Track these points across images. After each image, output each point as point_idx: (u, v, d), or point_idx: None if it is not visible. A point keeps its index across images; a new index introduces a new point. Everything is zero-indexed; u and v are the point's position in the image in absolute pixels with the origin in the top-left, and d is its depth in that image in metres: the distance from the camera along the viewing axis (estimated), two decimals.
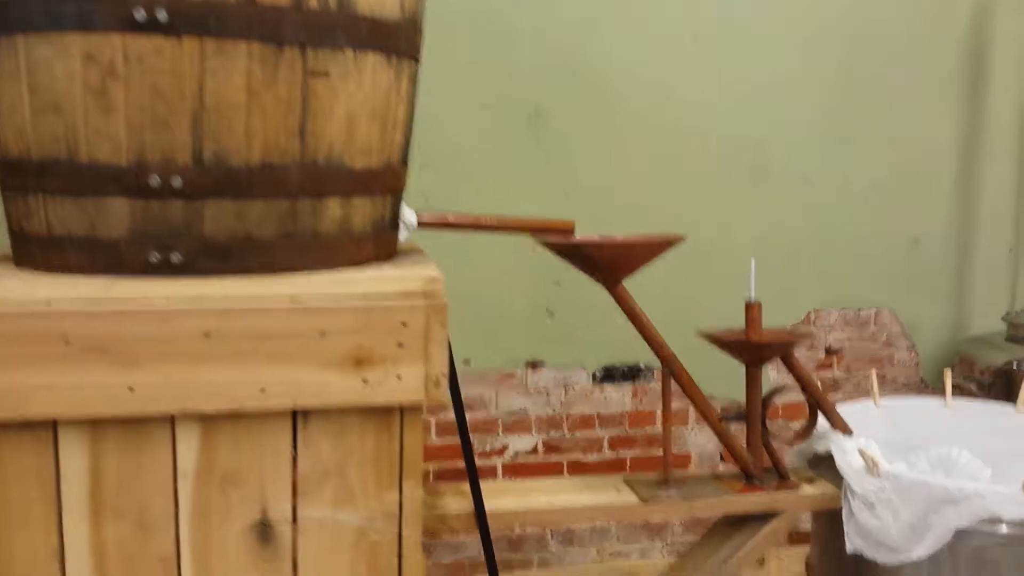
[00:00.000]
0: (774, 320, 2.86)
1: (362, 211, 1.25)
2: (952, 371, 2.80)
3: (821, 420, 1.68)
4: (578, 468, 2.79)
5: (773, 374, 2.80)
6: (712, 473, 1.66)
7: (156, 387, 1.11)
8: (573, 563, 2.82)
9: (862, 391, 2.92)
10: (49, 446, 1.12)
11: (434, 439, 2.68)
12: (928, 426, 1.85)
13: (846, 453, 1.56)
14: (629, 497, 1.55)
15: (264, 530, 1.20)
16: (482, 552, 2.75)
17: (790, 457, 1.78)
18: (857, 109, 2.80)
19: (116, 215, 1.12)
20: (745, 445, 1.61)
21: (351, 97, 1.17)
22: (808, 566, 1.74)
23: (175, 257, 1.13)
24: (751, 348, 1.57)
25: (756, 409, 1.60)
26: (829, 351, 2.90)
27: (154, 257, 1.13)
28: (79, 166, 1.10)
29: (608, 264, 1.45)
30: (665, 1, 2.65)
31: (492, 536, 2.73)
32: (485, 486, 1.58)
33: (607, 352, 2.75)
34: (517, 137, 2.60)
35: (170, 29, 1.05)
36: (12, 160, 1.16)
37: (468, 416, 2.69)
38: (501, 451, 2.72)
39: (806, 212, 2.79)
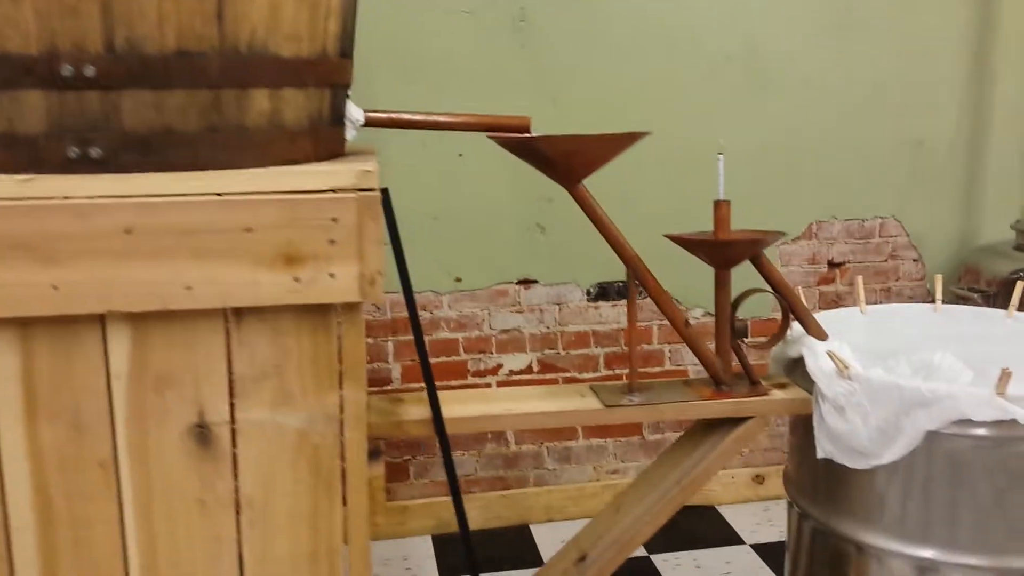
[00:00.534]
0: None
1: (294, 104, 1.20)
2: (959, 282, 2.73)
3: (798, 326, 1.62)
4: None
5: None
6: (683, 380, 1.62)
7: (80, 285, 1.09)
8: (571, 481, 2.82)
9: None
10: None
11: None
12: (916, 332, 1.79)
13: (817, 357, 1.51)
14: (592, 402, 1.51)
15: (202, 432, 1.18)
16: (477, 469, 2.77)
17: (768, 364, 1.74)
18: (859, 2, 2.67)
19: (32, 109, 1.08)
20: (714, 350, 1.56)
21: None
22: (785, 477, 1.71)
23: (95, 152, 1.09)
24: (718, 248, 1.51)
25: (724, 313, 1.55)
26: (832, 264, 2.83)
27: (73, 152, 1.09)
28: None
29: (564, 161, 1.39)
30: None
31: (486, 453, 2.75)
32: (449, 395, 1.56)
33: (601, 269, 2.70)
34: (502, 44, 2.52)
35: None
36: None
37: (460, 335, 2.68)
38: (495, 370, 2.71)
39: (805, 116, 2.69)
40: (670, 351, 2.76)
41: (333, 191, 1.13)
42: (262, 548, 1.22)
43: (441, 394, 1.56)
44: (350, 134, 1.37)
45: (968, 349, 1.64)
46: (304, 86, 1.20)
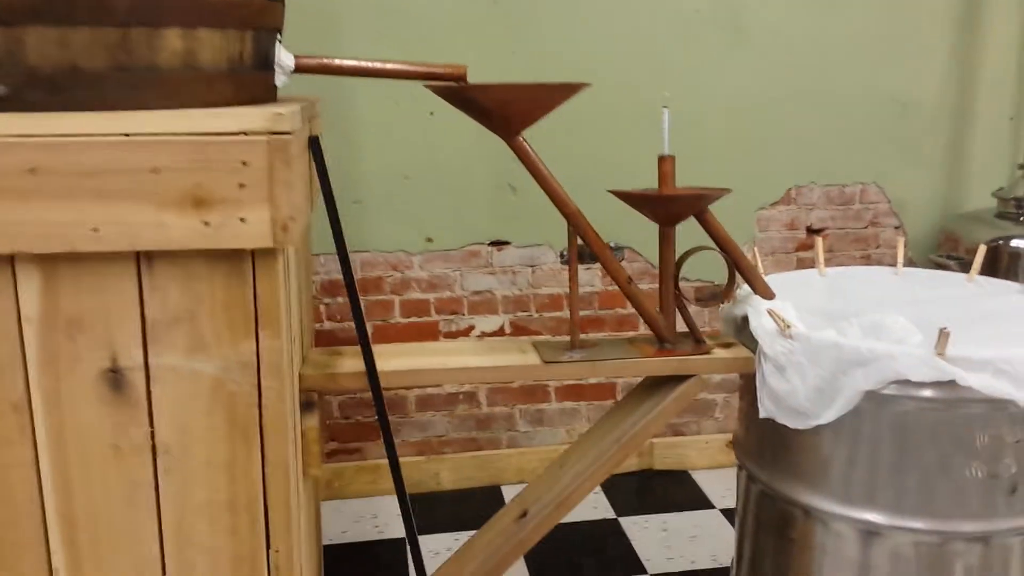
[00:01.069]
0: (750, 198, 2.76)
1: (211, 46, 1.17)
2: (938, 249, 2.69)
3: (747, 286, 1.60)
4: None
5: None
6: (627, 338, 1.60)
7: None
8: (543, 443, 2.81)
9: None
10: None
11: (399, 318, 2.65)
12: (874, 295, 1.76)
13: (760, 316, 1.49)
14: (532, 358, 1.49)
15: (115, 377, 1.17)
16: (449, 430, 2.76)
17: (719, 324, 1.71)
18: None
19: None
20: (658, 308, 1.54)
21: None
22: (734, 441, 1.69)
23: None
24: (661, 204, 1.48)
25: (668, 270, 1.52)
26: (811, 230, 2.79)
27: None
28: None
29: (500, 111, 1.36)
30: None
31: (458, 414, 2.74)
32: (387, 348, 1.54)
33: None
34: (477, 6, 2.47)
35: None
36: None
37: (432, 296, 2.66)
38: (467, 331, 2.69)
39: (781, 78, 2.64)
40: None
41: (244, 134, 1.11)
42: (180, 495, 1.22)
43: (379, 347, 1.55)
44: (280, 80, 1.34)
45: (926, 312, 1.61)
46: (222, 27, 1.18)
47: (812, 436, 1.47)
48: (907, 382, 1.36)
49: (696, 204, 1.49)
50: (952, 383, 1.33)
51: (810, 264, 2.80)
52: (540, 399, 2.77)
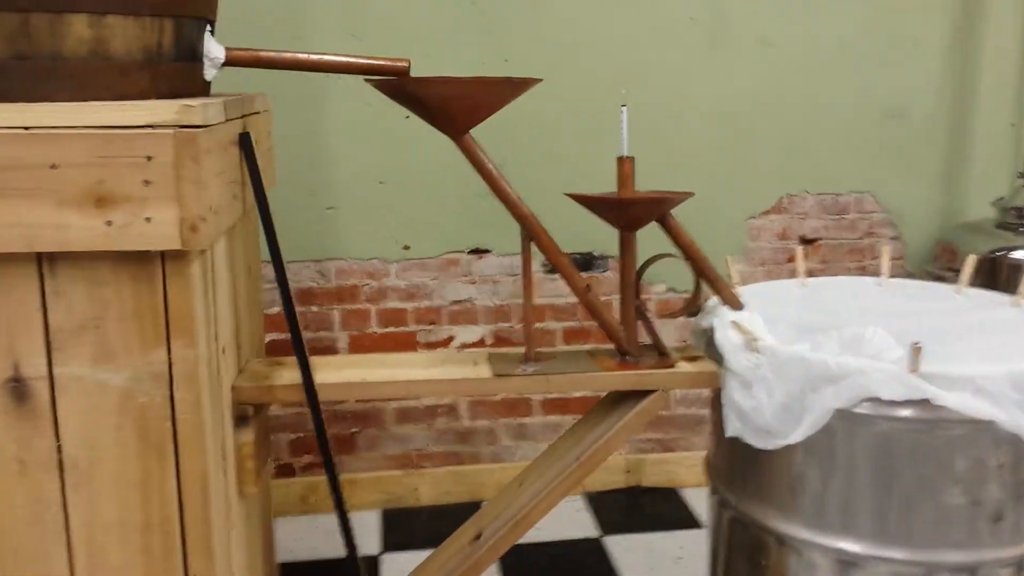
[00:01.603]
0: (739, 206, 2.66)
1: (123, 34, 1.10)
2: (935, 261, 2.58)
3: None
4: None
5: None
6: (588, 349, 1.51)
7: None
8: (525, 458, 2.71)
9: None
10: None
11: (375, 328, 2.57)
12: (857, 306, 1.66)
13: (727, 328, 1.39)
14: (483, 371, 1.41)
15: (18, 388, 1.09)
16: (428, 444, 2.67)
17: (690, 337, 1.62)
18: None
19: None
20: (619, 319, 1.45)
21: None
22: (706, 462, 1.59)
23: None
24: (620, 208, 1.40)
25: (629, 279, 1.43)
26: (804, 240, 2.69)
27: None
28: None
29: (442, 107, 1.28)
30: None
31: (437, 427, 2.65)
32: (332, 359, 1.46)
33: (558, 238, 2.57)
34: (456, 8, 2.40)
35: None
36: None
37: (410, 305, 2.58)
38: (446, 342, 2.61)
39: (773, 83, 2.54)
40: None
41: (151, 127, 1.03)
42: (89, 513, 1.14)
43: (323, 359, 1.48)
44: (210, 73, 1.27)
45: (910, 325, 1.51)
46: (136, 14, 1.10)
47: (783, 458, 1.37)
48: (882, 400, 1.26)
49: (657, 208, 1.40)
50: (929, 402, 1.24)
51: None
52: (523, 412, 2.68)
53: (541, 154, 2.50)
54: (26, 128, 1.01)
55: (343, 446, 2.62)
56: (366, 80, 1.32)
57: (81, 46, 1.07)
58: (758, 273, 2.67)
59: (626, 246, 1.43)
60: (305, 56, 1.28)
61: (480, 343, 2.62)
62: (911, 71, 2.60)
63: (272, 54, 1.27)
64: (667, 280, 2.61)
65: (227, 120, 1.21)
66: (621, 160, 1.41)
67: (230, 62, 1.26)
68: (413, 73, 1.34)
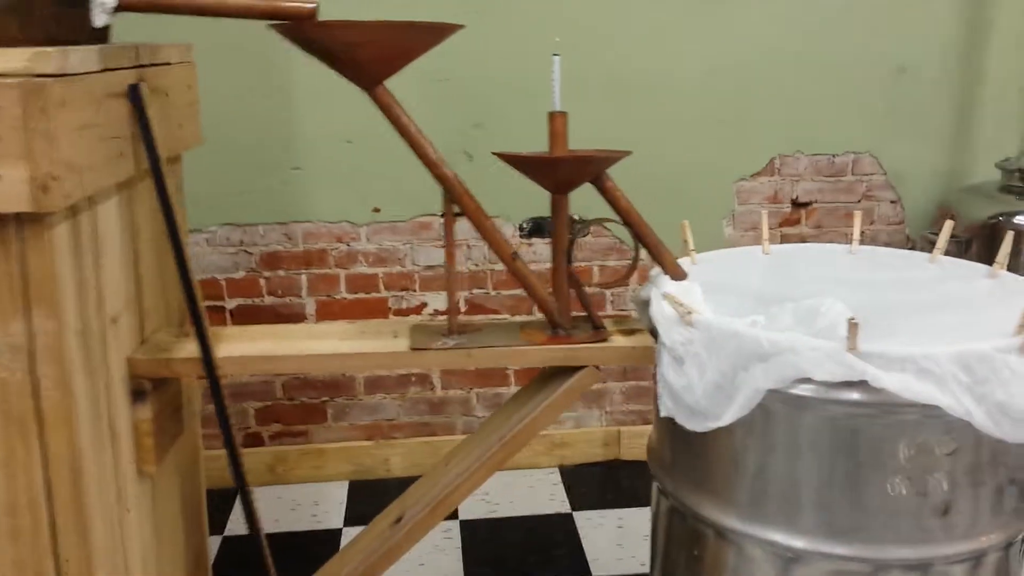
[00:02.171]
0: (727, 167, 2.52)
1: None
2: (933, 226, 2.44)
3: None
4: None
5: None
6: (520, 322, 1.41)
7: None
8: None
9: None
10: None
11: (345, 294, 2.49)
12: (823, 276, 1.53)
13: (660, 299, 1.28)
14: (400, 344, 1.32)
15: None
16: (400, 414, 2.60)
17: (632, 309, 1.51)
18: None
19: None
20: (551, 289, 1.35)
21: None
22: (648, 447, 1.48)
23: None
24: (551, 167, 1.28)
25: (561, 245, 1.33)
26: (796, 203, 2.55)
27: None
28: None
29: (348, 55, 1.17)
30: None
31: (410, 397, 2.57)
32: (244, 330, 1.38)
33: (535, 203, 2.41)
34: None
35: None
36: None
37: (380, 270, 2.49)
38: (419, 309, 2.52)
39: (764, 34, 2.39)
40: (612, 295, 2.53)
41: (3, 76, 0.94)
42: None
43: (236, 329, 1.39)
44: (99, 19, 1.17)
45: (879, 297, 1.40)
46: None
47: (719, 442, 1.26)
48: (820, 382, 1.15)
49: (590, 168, 1.29)
50: (870, 384, 1.12)
51: (796, 241, 2.57)
52: (498, 383, 2.59)
53: (522, 115, 2.38)
54: None
55: (312, 415, 2.56)
56: (269, 26, 1.21)
57: None
58: (747, 238, 2.54)
59: (558, 209, 1.32)
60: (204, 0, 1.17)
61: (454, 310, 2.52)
62: (916, 25, 2.43)
63: None
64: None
65: (105, 70, 1.11)
66: (552, 116, 1.29)
67: (124, 7, 1.16)
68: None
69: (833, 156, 2.51)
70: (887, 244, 2.57)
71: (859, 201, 2.55)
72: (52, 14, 1.10)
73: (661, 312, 1.28)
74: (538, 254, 2.50)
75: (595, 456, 2.64)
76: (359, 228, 2.45)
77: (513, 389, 2.60)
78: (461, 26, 1.25)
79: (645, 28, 2.36)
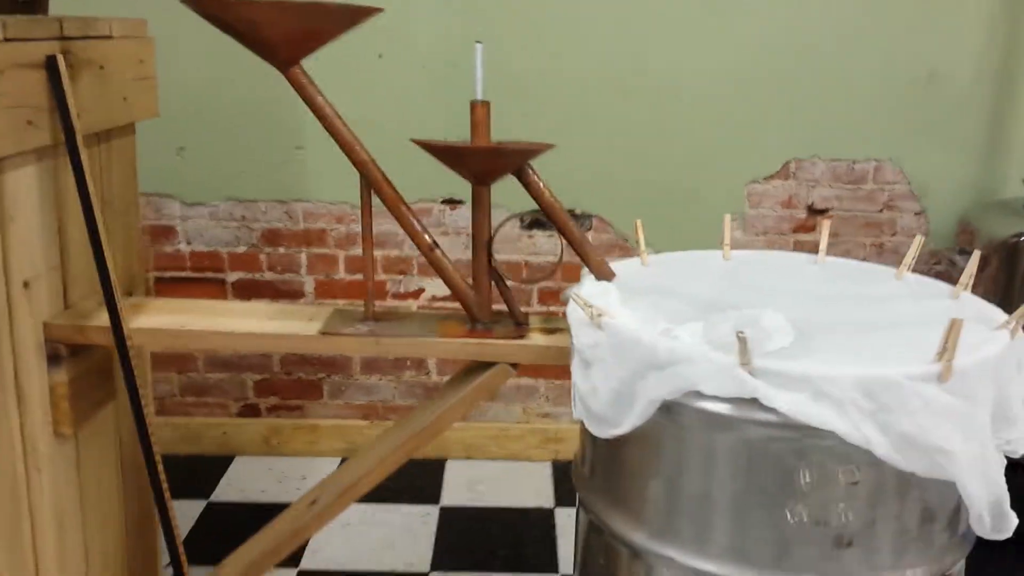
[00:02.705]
0: (740, 169, 2.43)
1: None
2: (955, 242, 2.30)
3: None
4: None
5: None
6: (441, 315, 1.38)
7: None
8: (496, 419, 2.61)
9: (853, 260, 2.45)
10: None
11: (343, 275, 2.50)
12: (782, 287, 1.45)
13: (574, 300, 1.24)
14: (311, 328, 1.30)
15: None
16: (395, 396, 2.60)
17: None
18: None
19: None
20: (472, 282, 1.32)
21: None
22: (575, 458, 1.42)
23: None
24: (472, 158, 1.25)
25: (481, 237, 1.29)
26: (812, 210, 2.44)
27: None
28: None
29: (260, 35, 1.16)
30: None
31: (405, 380, 2.56)
32: (164, 303, 1.39)
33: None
34: None
35: None
36: None
37: (379, 253, 2.49)
38: (417, 294, 2.51)
39: (783, 33, 2.29)
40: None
41: None
42: None
43: (158, 302, 1.40)
44: None
45: (834, 311, 1.32)
46: None
47: (631, 455, 1.21)
48: (728, 397, 1.08)
49: (513, 160, 1.25)
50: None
51: (811, 248, 2.45)
52: None
53: (527, 107, 2.35)
54: None
55: (309, 391, 2.58)
56: (180, 1, 1.21)
57: None
58: (757, 243, 2.45)
59: (479, 202, 1.29)
60: None
61: (452, 297, 2.51)
62: (949, 26, 2.29)
63: None
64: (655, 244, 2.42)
65: (11, 40, 1.12)
66: (474, 105, 1.26)
67: None
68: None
69: (853, 162, 2.39)
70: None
71: (880, 211, 2.43)
72: None
73: (574, 313, 1.23)
74: (538, 246, 2.46)
75: None
76: (359, 210, 2.45)
77: (510, 380, 2.56)
78: (379, 9, 1.23)
79: (660, 23, 2.28)
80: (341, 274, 2.50)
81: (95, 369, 1.38)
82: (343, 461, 2.57)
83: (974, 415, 1.04)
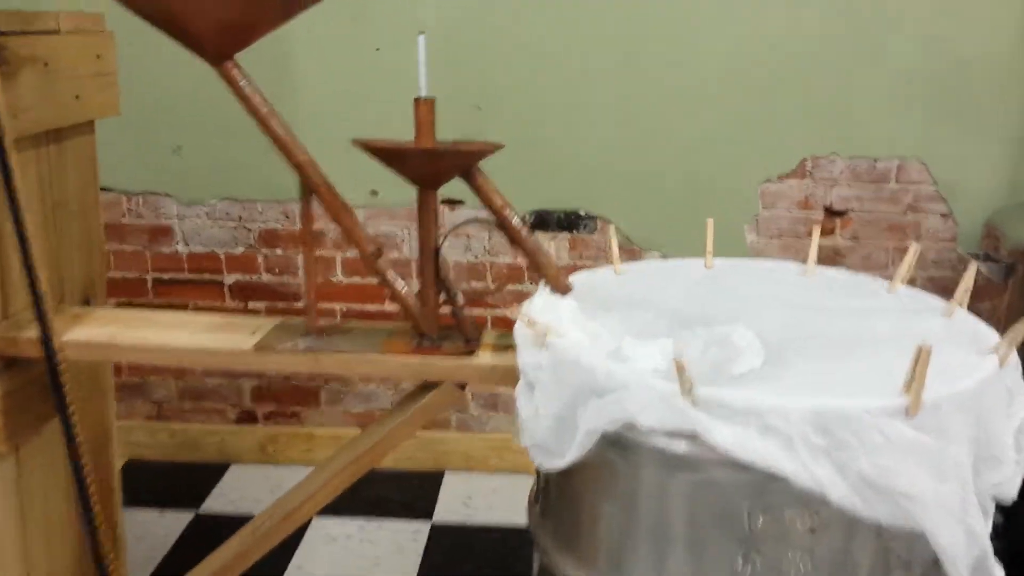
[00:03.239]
0: (753, 167, 2.29)
1: None
2: (981, 246, 2.15)
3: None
4: (505, 326, 2.44)
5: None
6: (388, 328, 1.29)
7: None
8: (496, 430, 2.53)
9: (873, 265, 2.31)
10: None
11: (340, 277, 2.43)
12: (766, 299, 1.34)
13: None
14: (247, 342, 1.23)
15: None
16: (393, 403, 2.52)
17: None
18: None
19: None
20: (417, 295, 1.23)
21: None
22: (529, 496, 1.31)
23: None
24: (416, 159, 1.16)
25: (428, 246, 1.20)
26: (831, 211, 2.30)
27: None
28: None
29: (184, 27, 1.09)
30: None
31: (403, 389, 2.48)
32: (104, 313, 1.33)
33: (541, 195, 2.34)
34: None
35: None
36: None
37: None
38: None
39: (800, 22, 2.15)
40: None
41: None
42: None
43: (96, 311, 1.34)
44: None
45: (809, 326, 1.21)
46: None
47: (577, 490, 1.11)
48: (670, 429, 0.98)
49: (457, 162, 1.15)
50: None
51: (829, 252, 2.32)
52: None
53: (525, 103, 2.25)
54: None
55: (306, 398, 2.53)
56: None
57: None
58: (772, 246, 2.32)
59: (424, 206, 1.20)
60: None
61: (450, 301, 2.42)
62: (981, 13, 2.13)
63: None
64: (663, 247, 2.31)
65: None
66: (418, 102, 1.17)
67: None
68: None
69: (875, 160, 2.24)
70: (935, 263, 2.29)
71: (904, 213, 2.28)
72: None
73: (521, 330, 1.14)
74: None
75: None
76: (356, 211, 2.36)
77: (511, 390, 2.47)
78: (315, 0, 1.14)
79: (669, 11, 2.17)
80: (339, 276, 2.43)
81: (36, 382, 1.32)
82: None
83: (947, 454, 0.92)
